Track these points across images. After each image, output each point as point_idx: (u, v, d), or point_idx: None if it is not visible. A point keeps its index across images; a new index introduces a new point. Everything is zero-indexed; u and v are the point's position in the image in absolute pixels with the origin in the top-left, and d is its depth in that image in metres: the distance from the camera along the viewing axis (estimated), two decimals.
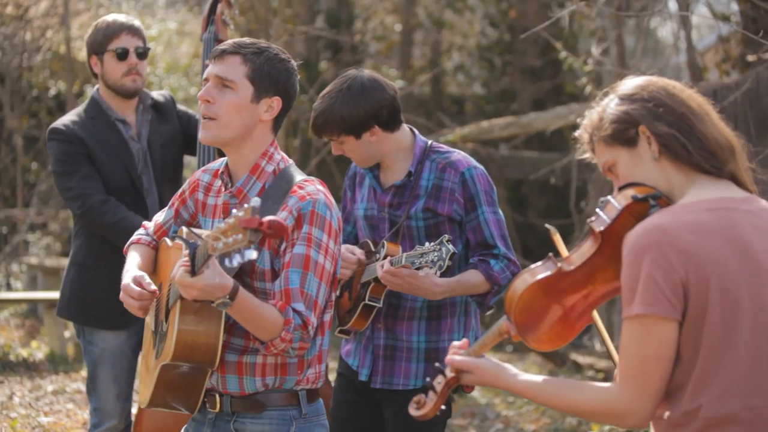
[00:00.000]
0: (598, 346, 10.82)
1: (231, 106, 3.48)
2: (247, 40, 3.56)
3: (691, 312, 2.63)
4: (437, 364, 2.94)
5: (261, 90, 3.50)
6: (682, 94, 2.82)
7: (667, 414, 2.70)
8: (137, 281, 3.55)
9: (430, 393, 2.93)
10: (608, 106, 2.86)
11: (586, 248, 2.78)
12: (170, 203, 3.86)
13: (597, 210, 2.80)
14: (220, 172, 3.66)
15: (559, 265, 2.79)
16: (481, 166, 4.44)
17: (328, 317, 3.60)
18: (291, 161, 3.66)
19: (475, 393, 9.61)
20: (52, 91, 14.45)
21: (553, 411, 8.70)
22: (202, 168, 3.82)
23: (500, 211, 4.42)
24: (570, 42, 13.69)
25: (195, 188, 3.76)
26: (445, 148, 4.50)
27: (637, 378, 2.64)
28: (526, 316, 2.80)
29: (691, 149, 2.74)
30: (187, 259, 3.17)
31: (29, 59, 14.25)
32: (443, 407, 2.95)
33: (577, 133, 2.96)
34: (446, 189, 4.37)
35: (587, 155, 2.95)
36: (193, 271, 3.14)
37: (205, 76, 3.55)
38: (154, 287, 3.54)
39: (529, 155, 13.24)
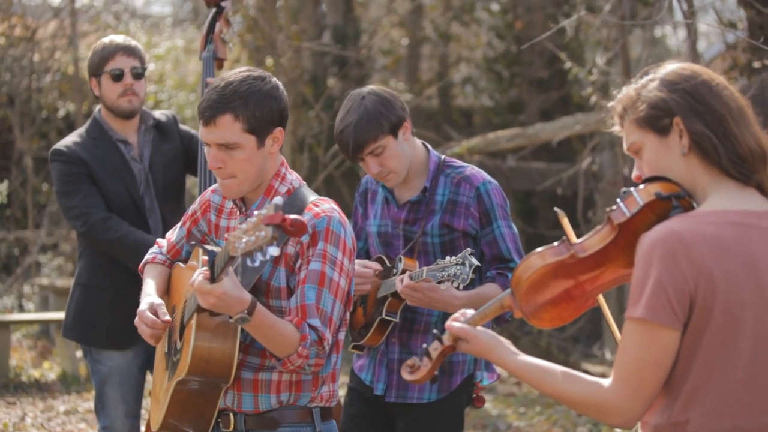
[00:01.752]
0: (608, 356, 10.80)
1: (244, 163, 3.48)
2: (226, 87, 3.46)
3: (692, 326, 2.60)
4: (435, 331, 2.88)
5: (262, 134, 3.49)
6: (724, 92, 2.73)
7: (655, 421, 2.68)
8: (153, 309, 3.57)
9: (425, 359, 2.86)
10: (647, 86, 2.77)
11: (602, 237, 2.73)
12: (182, 222, 3.86)
13: (618, 200, 2.72)
14: None
15: (573, 251, 2.73)
16: (495, 181, 4.45)
17: (342, 336, 3.61)
18: (303, 182, 3.67)
19: (487, 405, 9.60)
20: (62, 112, 14.51)
21: (564, 421, 8.69)
22: (212, 188, 3.82)
23: (514, 225, 4.43)
24: (577, 52, 13.68)
25: (207, 209, 3.77)
26: (459, 162, 4.50)
27: (633, 381, 2.62)
28: (532, 296, 2.76)
29: (721, 152, 2.67)
30: (206, 267, 3.19)
31: (38, 81, 14.33)
32: (436, 373, 2.92)
33: (610, 105, 2.88)
34: (461, 204, 4.37)
35: (616, 128, 2.88)
36: (213, 278, 3.15)
37: (204, 140, 3.51)
38: (168, 317, 3.55)
39: (536, 166, 13.22)
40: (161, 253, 3.87)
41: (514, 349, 2.77)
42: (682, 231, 2.59)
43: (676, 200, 2.68)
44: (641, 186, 2.72)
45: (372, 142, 4.28)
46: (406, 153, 4.36)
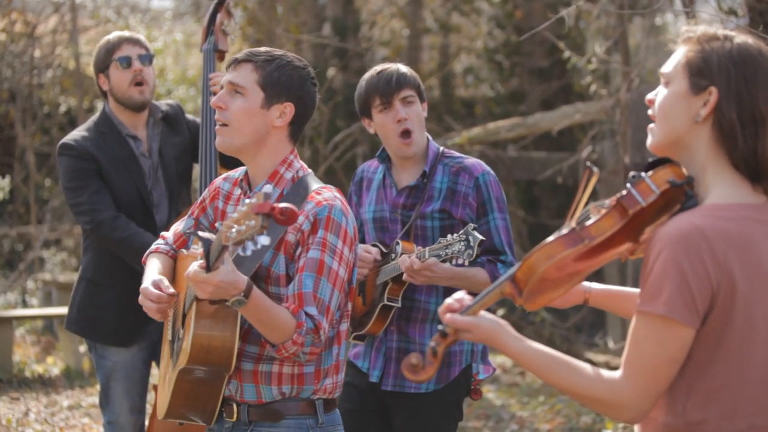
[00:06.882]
0: (611, 345, 10.81)
1: (241, 112, 3.51)
2: (262, 49, 3.60)
3: (712, 324, 2.54)
4: (440, 326, 2.72)
5: (272, 96, 3.52)
6: None
7: (665, 419, 2.62)
8: (156, 284, 3.56)
9: (432, 358, 2.71)
10: (722, 42, 2.61)
11: (611, 223, 2.61)
12: (190, 212, 3.86)
13: (628, 186, 2.59)
14: (239, 180, 3.67)
15: (586, 241, 2.60)
16: (493, 173, 4.49)
17: (344, 327, 3.60)
18: (310, 171, 3.67)
19: (491, 395, 9.62)
20: (63, 108, 14.51)
21: (568, 410, 8.70)
22: (222, 176, 3.83)
23: (508, 218, 4.47)
24: (578, 41, 13.67)
25: (215, 196, 3.76)
26: (457, 153, 4.57)
27: (645, 377, 2.54)
28: (540, 284, 2.66)
29: (740, 147, 2.57)
30: (202, 258, 3.19)
31: (39, 76, 14.34)
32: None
33: (688, 29, 2.68)
34: (460, 193, 4.41)
35: (676, 47, 2.70)
36: (208, 267, 3.15)
37: (222, 82, 3.60)
38: (172, 290, 3.54)
39: (537, 156, 13.21)
40: (166, 244, 3.85)
41: (517, 334, 2.67)
42: (705, 227, 2.51)
43: (689, 187, 2.60)
44: (651, 172, 2.62)
45: (410, 87, 4.45)
46: (423, 123, 4.51)
